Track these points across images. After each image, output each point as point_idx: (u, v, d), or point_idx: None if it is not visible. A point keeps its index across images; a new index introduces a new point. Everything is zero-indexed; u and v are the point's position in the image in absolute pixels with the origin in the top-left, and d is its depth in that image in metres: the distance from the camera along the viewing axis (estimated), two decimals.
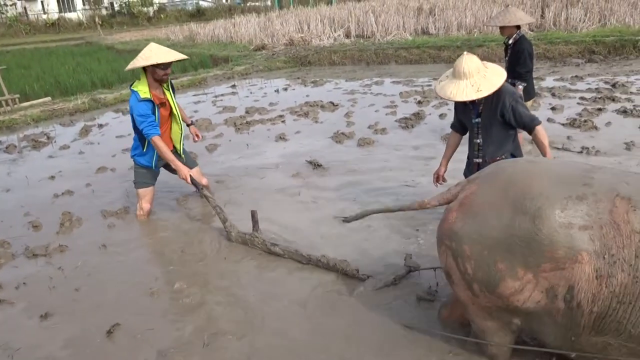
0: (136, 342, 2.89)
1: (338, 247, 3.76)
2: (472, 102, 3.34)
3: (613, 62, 10.31)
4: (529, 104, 5.23)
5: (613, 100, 7.15)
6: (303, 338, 2.82)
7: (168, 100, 4.32)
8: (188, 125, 4.76)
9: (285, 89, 10.51)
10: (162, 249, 4.08)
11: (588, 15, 12.91)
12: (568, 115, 6.59)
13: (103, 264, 3.84)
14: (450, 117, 6.90)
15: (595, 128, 5.94)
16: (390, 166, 5.36)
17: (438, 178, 3.80)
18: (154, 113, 4.14)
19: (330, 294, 3.19)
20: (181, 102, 4.86)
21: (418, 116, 7.14)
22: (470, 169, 3.61)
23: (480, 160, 3.48)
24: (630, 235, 1.87)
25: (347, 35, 16.12)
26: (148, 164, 4.40)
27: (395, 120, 7.10)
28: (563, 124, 6.22)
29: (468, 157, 3.67)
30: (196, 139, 4.78)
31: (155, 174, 4.57)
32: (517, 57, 5.02)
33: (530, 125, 3.23)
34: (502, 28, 5.10)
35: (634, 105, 6.70)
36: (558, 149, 5.32)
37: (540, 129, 3.22)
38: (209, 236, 4.20)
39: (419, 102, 8.07)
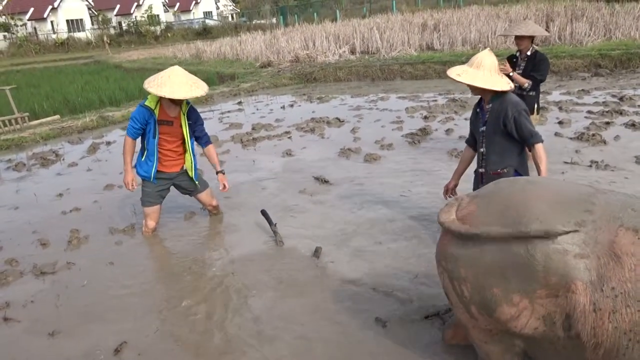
0: None
1: (350, 265, 3.74)
2: (482, 109, 3.38)
3: (619, 75, 10.30)
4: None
5: (621, 113, 7.12)
6: None
7: (180, 123, 4.25)
8: (217, 173, 4.52)
9: (291, 106, 10.56)
10: (170, 266, 4.07)
11: (593, 29, 12.93)
12: (576, 129, 6.56)
13: (110, 282, 3.82)
14: (457, 132, 6.97)
15: (604, 142, 5.91)
16: (398, 181, 5.34)
17: (447, 191, 3.78)
18: (147, 121, 4.14)
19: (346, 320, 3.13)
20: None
21: (424, 131, 7.13)
22: (475, 178, 3.60)
23: (483, 170, 3.45)
24: (635, 269, 1.76)
25: (352, 52, 16.23)
26: (146, 174, 4.33)
27: (402, 136, 7.10)
28: (571, 138, 6.19)
29: (475, 171, 3.64)
30: (222, 190, 4.54)
31: (161, 192, 4.49)
32: (538, 65, 4.98)
33: (529, 141, 3.17)
34: (520, 39, 5.03)
35: None
36: (567, 163, 5.29)
37: (540, 149, 3.14)
38: (217, 253, 4.19)
39: (425, 118, 8.07)
